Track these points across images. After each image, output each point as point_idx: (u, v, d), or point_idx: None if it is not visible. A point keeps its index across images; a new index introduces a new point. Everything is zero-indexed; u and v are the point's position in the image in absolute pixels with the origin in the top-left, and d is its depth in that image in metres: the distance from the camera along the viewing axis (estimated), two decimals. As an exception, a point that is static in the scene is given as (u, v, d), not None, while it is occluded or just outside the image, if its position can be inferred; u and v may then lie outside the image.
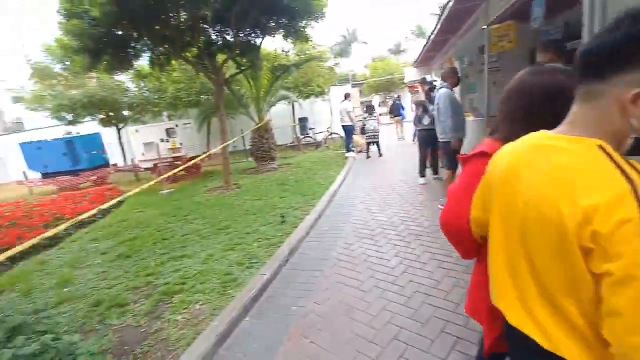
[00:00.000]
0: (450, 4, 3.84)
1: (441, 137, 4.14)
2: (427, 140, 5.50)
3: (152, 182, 5.07)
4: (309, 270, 3.18)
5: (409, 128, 14.74)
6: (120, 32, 6.57)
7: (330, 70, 12.98)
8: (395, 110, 12.47)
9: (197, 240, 4.32)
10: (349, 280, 2.90)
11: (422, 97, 5.53)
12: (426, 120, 5.40)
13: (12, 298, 2.98)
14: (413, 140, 10.87)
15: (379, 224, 4.09)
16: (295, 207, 5.24)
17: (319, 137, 12.60)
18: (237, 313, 2.46)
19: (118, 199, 5.03)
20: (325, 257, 3.43)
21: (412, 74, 9.85)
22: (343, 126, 9.18)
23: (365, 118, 8.99)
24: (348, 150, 9.35)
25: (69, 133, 13.20)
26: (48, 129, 15.64)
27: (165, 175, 5.84)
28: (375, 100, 31.65)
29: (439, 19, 4.78)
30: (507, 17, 3.57)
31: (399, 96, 14.45)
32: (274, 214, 5.02)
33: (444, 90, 3.99)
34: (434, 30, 5.38)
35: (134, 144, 10.40)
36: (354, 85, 14.18)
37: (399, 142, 12.49)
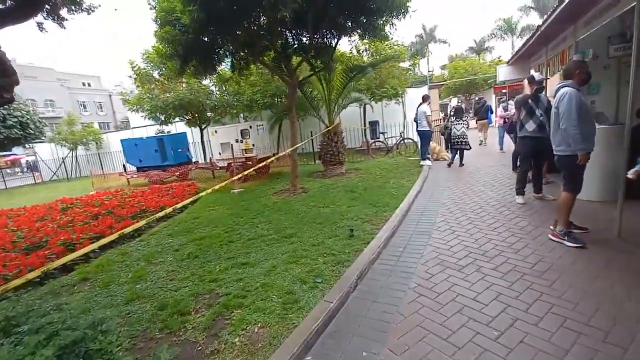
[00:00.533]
0: None
1: (559, 150, 3.26)
2: (532, 151, 4.54)
3: (223, 183, 5.13)
4: (382, 304, 2.69)
5: (493, 134, 13.11)
6: (206, 39, 6.93)
7: (406, 72, 12.17)
8: (483, 113, 11.17)
9: (262, 247, 4.16)
10: (434, 325, 2.33)
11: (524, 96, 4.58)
12: (531, 126, 4.45)
13: (77, 304, 3.09)
14: (501, 149, 9.52)
15: (468, 252, 3.39)
16: (365, 219, 4.78)
17: (391, 142, 11.87)
18: (298, 350, 2.11)
19: (192, 198, 5.20)
20: (401, 287, 2.90)
21: (505, 73, 8.57)
22: (420, 131, 8.39)
23: (452, 122, 8.08)
24: (424, 158, 8.52)
25: (161, 132, 14.80)
26: (146, 127, 17.87)
27: (236, 177, 5.92)
28: (453, 102, 29.37)
29: (559, 4, 3.85)
30: None
31: (483, 98, 13.03)
32: (341, 225, 4.64)
33: (568, 89, 3.12)
34: (548, 18, 4.40)
35: (213, 144, 11.10)
36: (431, 87, 13.09)
37: (481, 148, 11.12)
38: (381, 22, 7.08)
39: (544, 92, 4.43)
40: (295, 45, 8.00)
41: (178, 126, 16.85)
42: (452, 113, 8.54)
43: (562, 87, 3.21)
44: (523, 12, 36.87)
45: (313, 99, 9.14)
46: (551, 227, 3.56)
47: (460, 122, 7.97)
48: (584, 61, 3.62)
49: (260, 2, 5.82)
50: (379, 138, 12.79)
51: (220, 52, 7.71)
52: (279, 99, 12.13)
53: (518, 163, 6.68)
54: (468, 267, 3.07)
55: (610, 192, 4.29)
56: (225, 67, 11.52)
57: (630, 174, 3.74)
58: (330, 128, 8.87)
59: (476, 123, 11.97)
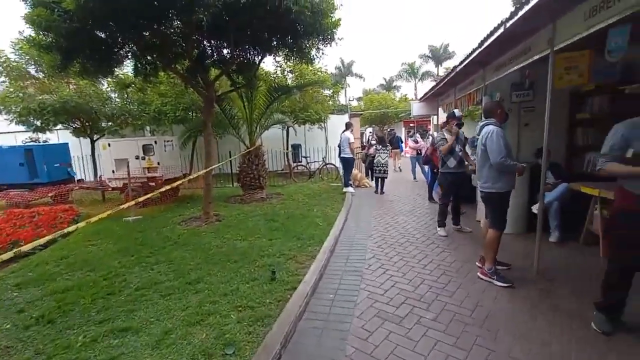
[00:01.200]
0: (510, 24, 3.11)
1: (485, 187, 3.26)
2: (453, 186, 4.66)
3: (113, 209, 3.92)
4: (312, 381, 2.09)
5: (405, 162, 14.19)
6: (102, 34, 5.67)
7: (329, 98, 12.37)
8: (395, 143, 12.21)
9: (154, 301, 3.17)
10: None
11: (445, 134, 4.75)
12: (452, 163, 4.57)
13: None
14: (414, 178, 10.13)
15: (405, 297, 3.07)
16: (289, 255, 4.18)
17: (313, 167, 11.70)
18: None
19: (66, 229, 3.84)
20: (336, 354, 2.35)
21: (418, 109, 9.31)
22: (343, 158, 8.33)
23: (378, 150, 8.21)
24: (346, 185, 8.44)
25: (32, 140, 11.82)
26: (15, 133, 14.19)
27: (132, 203, 4.69)
28: (369, 131, 31.61)
29: (479, 46, 4.09)
30: (575, 46, 2.83)
31: (393, 130, 14.34)
32: (261, 264, 3.94)
33: (493, 127, 3.17)
34: (465, 60, 4.69)
35: (104, 159, 9.16)
36: (352, 116, 13.59)
37: (396, 175, 11.78)
38: (308, 44, 6.90)
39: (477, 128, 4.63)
40: (215, 58, 7.24)
41: (62, 135, 13.84)
42: (374, 142, 8.76)
43: (487, 125, 3.26)
44: (423, 60, 43.26)
45: (233, 117, 8.36)
46: (478, 264, 3.53)
47: (384, 151, 8.17)
48: (500, 102, 3.87)
49: (173, 1, 5.00)
50: (301, 162, 12.53)
51: (121, 52, 6.45)
52: (194, 114, 10.93)
53: (433, 194, 7.06)
54: (407, 318, 2.72)
55: (520, 225, 4.62)
56: (128, 70, 9.93)
57: (535, 209, 4.03)
58: (251, 149, 8.16)
59: (390, 152, 12.83)
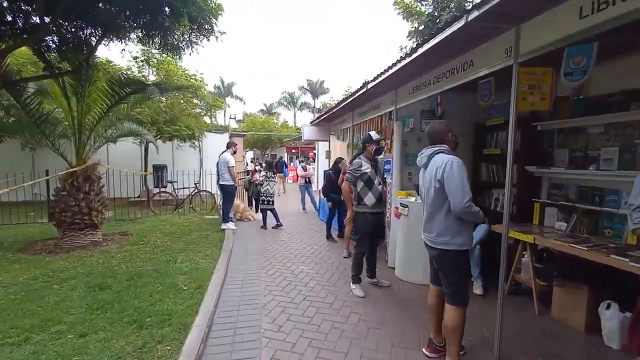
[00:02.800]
0: (439, 38, 2.35)
1: (442, 241, 2.23)
2: (372, 229, 3.63)
3: None
4: None
5: (292, 189, 13.30)
6: None
7: (206, 112, 10.34)
8: (280, 167, 11.46)
9: None
10: None
11: (363, 163, 3.77)
12: (371, 200, 3.57)
13: None
14: (303, 209, 9.12)
15: None
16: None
17: (183, 194, 9.24)
18: None
19: None
20: None
21: (309, 133, 8.48)
22: (222, 185, 6.52)
23: (266, 177, 6.73)
24: (226, 220, 6.59)
25: None
26: None
27: None
28: (249, 156, 30.01)
29: (400, 60, 3.32)
30: (535, 61, 2.23)
31: (280, 156, 13.62)
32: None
33: (449, 157, 2.22)
34: (377, 77, 3.90)
35: None
36: (233, 135, 11.86)
37: (283, 204, 10.55)
38: (176, 31, 5.06)
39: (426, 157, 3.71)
40: (14, 23, 4.54)
41: None
42: (264, 167, 7.31)
43: (438, 154, 2.31)
44: (301, 92, 45.55)
45: (44, 119, 5.42)
46: (426, 351, 2.45)
47: (273, 179, 6.81)
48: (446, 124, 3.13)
49: None
50: (165, 187, 9.80)
51: None
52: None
53: (332, 232, 6.06)
54: None
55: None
56: None
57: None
58: (76, 169, 5.43)
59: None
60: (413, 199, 3.95)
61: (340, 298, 3.55)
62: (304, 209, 9.11)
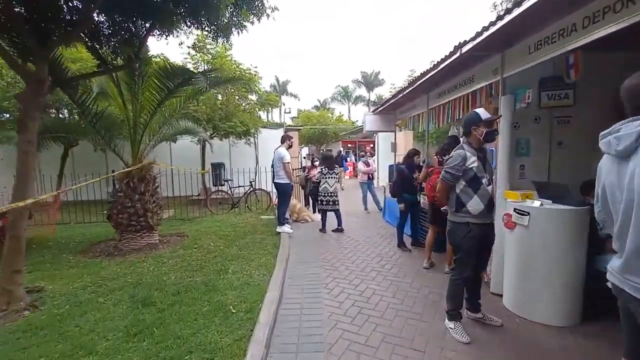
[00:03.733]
0: None
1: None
2: (478, 248, 2.61)
3: None
4: None
5: (352, 186, 12.41)
6: None
7: (260, 106, 9.94)
8: (340, 162, 10.58)
9: None
10: None
11: (467, 150, 2.73)
12: (477, 206, 2.53)
13: None
14: (365, 208, 8.18)
15: None
16: None
17: (239, 193, 8.97)
18: None
19: None
20: None
21: (372, 122, 7.45)
22: (277, 184, 5.91)
23: (322, 174, 5.98)
24: (281, 222, 5.97)
25: None
26: None
27: None
28: (304, 152, 29.86)
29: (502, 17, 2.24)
30: None
31: (339, 150, 12.67)
32: None
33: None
34: (479, 34, 2.80)
35: None
36: (288, 130, 11.38)
37: (342, 203, 9.73)
38: (225, 13, 4.49)
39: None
40: (67, 17, 4.35)
41: None
42: (321, 162, 6.57)
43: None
44: (355, 85, 44.28)
45: (100, 117, 5.28)
46: None
47: (332, 175, 6.00)
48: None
49: None
50: (223, 186, 9.65)
51: None
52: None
53: (405, 239, 5.05)
54: None
55: (572, 311, 2.74)
56: None
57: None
58: (132, 169, 5.23)
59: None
60: (536, 202, 2.78)
61: (435, 342, 2.57)
62: (366, 208, 8.17)
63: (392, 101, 6.05)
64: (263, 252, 4.88)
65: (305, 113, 22.82)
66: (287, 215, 6.30)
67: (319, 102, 44.70)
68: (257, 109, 9.91)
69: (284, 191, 5.90)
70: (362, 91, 44.65)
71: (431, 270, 4.11)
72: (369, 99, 43.39)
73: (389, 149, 12.81)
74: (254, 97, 9.90)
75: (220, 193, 8.89)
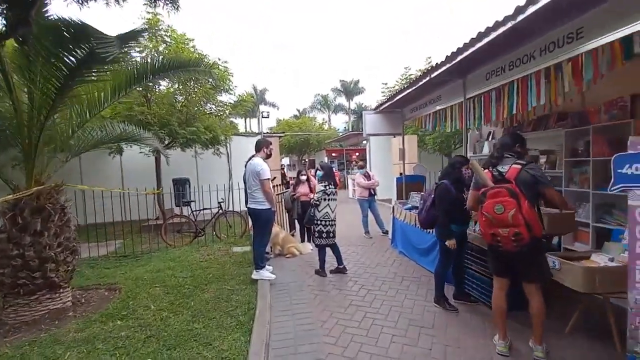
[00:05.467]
0: None
1: None
2: None
3: None
4: None
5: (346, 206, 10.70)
6: None
7: (232, 109, 8.12)
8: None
9: None
10: None
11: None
12: None
13: None
14: (366, 231, 6.53)
15: None
16: None
17: (205, 216, 7.05)
18: None
19: None
20: None
21: (373, 123, 5.82)
22: (252, 210, 4.12)
23: (327, 194, 4.23)
24: (259, 265, 4.13)
25: None
26: None
27: None
28: (285, 162, 28.07)
29: None
30: None
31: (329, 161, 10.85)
32: None
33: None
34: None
35: None
36: (267, 136, 9.65)
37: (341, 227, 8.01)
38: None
39: None
40: None
41: None
42: (304, 176, 4.88)
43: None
44: (335, 93, 43.35)
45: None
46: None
47: (335, 196, 4.30)
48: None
49: None
50: (187, 207, 7.66)
51: None
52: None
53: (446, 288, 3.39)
54: None
55: None
56: None
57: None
58: (19, 195, 3.32)
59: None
60: None
61: None
62: (367, 232, 6.50)
63: (409, 91, 4.43)
64: (230, 322, 3.07)
65: (285, 121, 21.09)
66: (268, 252, 4.52)
67: (298, 111, 43.45)
68: (227, 112, 8.11)
69: (263, 220, 4.11)
70: (342, 100, 43.84)
71: (512, 355, 2.46)
72: (349, 108, 42.54)
73: (384, 158, 11.27)
74: (224, 99, 8.12)
75: (179, 218, 6.95)
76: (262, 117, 11.13)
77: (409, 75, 10.55)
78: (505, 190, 2.23)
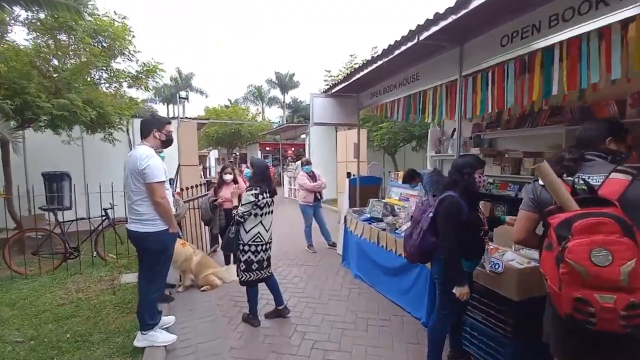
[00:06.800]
0: None
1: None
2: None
3: None
4: None
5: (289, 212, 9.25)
6: None
7: (134, 80, 5.95)
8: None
9: None
10: None
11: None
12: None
13: None
14: (310, 244, 5.29)
15: None
16: None
17: (82, 227, 4.91)
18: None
19: None
20: None
21: (323, 109, 4.43)
22: (132, 233, 2.48)
23: (258, 206, 2.70)
24: (146, 324, 2.50)
25: None
26: None
27: None
28: (213, 155, 25.29)
29: None
30: None
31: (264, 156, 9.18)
32: None
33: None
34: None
35: None
36: (184, 120, 7.70)
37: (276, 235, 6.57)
38: None
39: None
40: None
41: None
42: (229, 175, 3.40)
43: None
44: (270, 85, 41.34)
45: None
46: None
47: (270, 208, 2.88)
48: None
49: None
50: (66, 209, 5.34)
51: None
52: None
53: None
54: None
55: None
56: None
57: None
58: None
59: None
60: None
61: None
62: (310, 245, 5.24)
63: (364, 71, 3.22)
64: None
65: (213, 109, 18.55)
66: (167, 292, 2.92)
67: (230, 101, 40.28)
68: (126, 83, 5.97)
69: (153, 251, 2.50)
70: (276, 93, 42.02)
71: None
72: (284, 101, 41.02)
73: (328, 154, 9.96)
74: (122, 66, 5.98)
75: (41, 230, 4.75)
76: (180, 98, 9.01)
77: (354, 64, 9.59)
78: (613, 222, 1.14)
